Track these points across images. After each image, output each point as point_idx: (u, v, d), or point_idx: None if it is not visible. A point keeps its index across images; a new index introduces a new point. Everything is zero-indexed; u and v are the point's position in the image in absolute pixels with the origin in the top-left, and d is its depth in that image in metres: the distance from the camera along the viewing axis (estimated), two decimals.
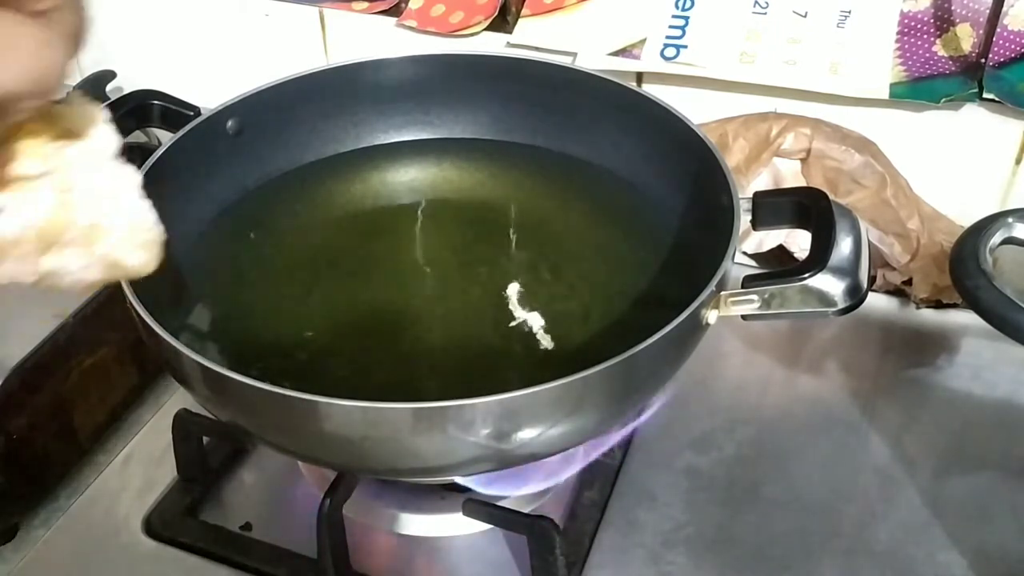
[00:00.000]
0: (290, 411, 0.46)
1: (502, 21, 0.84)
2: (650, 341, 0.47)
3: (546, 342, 0.56)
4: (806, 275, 0.50)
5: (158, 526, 0.61)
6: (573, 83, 0.69)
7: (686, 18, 0.80)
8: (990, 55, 0.72)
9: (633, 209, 0.67)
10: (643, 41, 0.80)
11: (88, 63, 1.02)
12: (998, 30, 0.71)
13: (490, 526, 0.58)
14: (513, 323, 0.58)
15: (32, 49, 0.30)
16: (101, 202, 0.37)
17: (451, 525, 0.60)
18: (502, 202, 0.68)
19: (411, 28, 0.87)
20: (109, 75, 0.94)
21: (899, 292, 0.76)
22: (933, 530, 0.59)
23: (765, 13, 0.78)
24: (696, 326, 0.51)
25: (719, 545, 0.59)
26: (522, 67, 0.72)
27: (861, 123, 0.76)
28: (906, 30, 0.75)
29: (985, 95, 0.73)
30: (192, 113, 0.66)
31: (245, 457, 0.66)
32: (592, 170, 0.70)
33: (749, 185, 0.75)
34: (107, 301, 0.67)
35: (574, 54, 0.82)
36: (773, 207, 0.57)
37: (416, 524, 0.60)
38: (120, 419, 0.70)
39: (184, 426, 0.61)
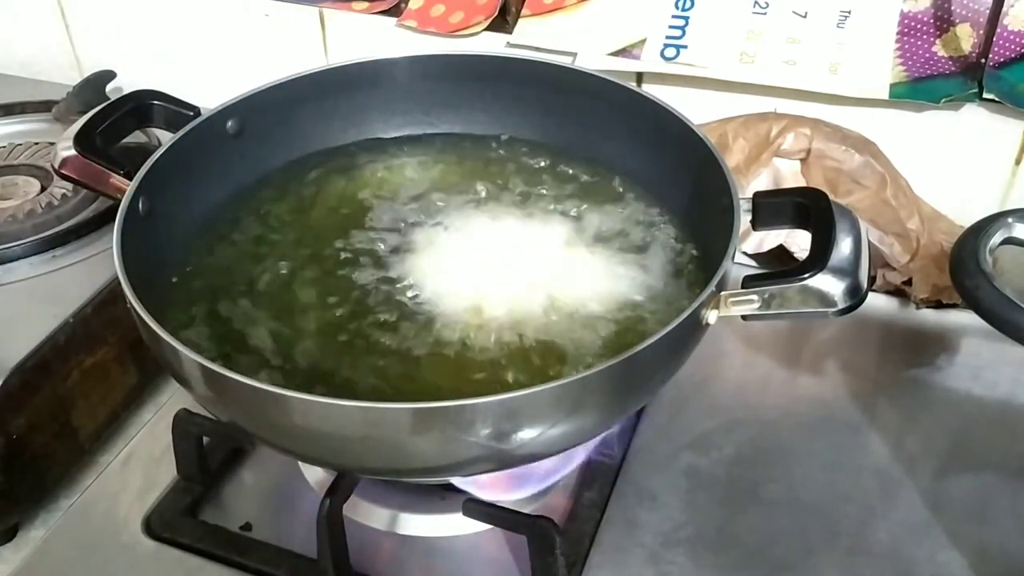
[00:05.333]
0: (290, 411, 0.46)
1: (502, 21, 0.84)
2: (650, 341, 0.47)
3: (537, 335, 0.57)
4: (806, 275, 0.50)
5: (158, 526, 0.61)
6: (573, 83, 0.70)
7: (686, 18, 0.80)
8: (990, 55, 0.72)
9: (633, 209, 0.67)
10: (643, 41, 0.80)
11: (88, 63, 1.02)
12: (998, 30, 0.71)
13: (490, 526, 0.58)
14: (512, 318, 0.58)
15: None
16: None
17: (451, 525, 0.60)
18: (499, 198, 0.68)
19: (411, 28, 0.87)
20: (109, 75, 0.95)
21: (899, 292, 0.76)
22: (933, 530, 0.59)
23: (765, 13, 0.78)
24: (696, 326, 0.51)
25: (719, 545, 0.59)
26: (522, 67, 0.72)
27: (861, 123, 0.76)
28: (906, 30, 0.75)
29: (985, 95, 0.73)
30: (192, 113, 0.66)
31: (245, 457, 0.66)
32: (592, 170, 0.70)
33: (749, 185, 0.75)
34: (107, 301, 0.67)
35: (574, 54, 0.82)
36: (773, 207, 0.57)
37: (416, 524, 0.60)
38: (120, 419, 0.70)
39: (184, 426, 0.61)
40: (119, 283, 0.51)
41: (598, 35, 0.81)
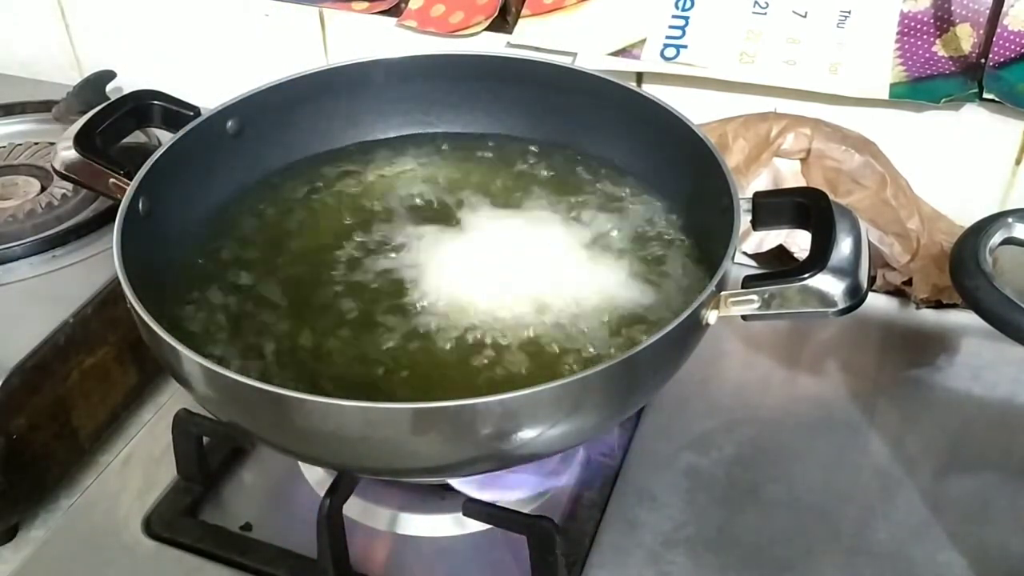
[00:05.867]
0: (290, 411, 0.46)
1: (502, 21, 0.84)
2: (650, 341, 0.47)
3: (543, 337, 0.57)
4: (806, 275, 0.50)
5: (158, 526, 0.61)
6: (573, 83, 0.70)
7: (686, 18, 0.80)
8: (990, 55, 0.72)
9: (632, 209, 0.67)
10: (643, 41, 0.80)
11: (88, 63, 1.02)
12: (998, 30, 0.71)
13: (490, 526, 0.58)
14: (513, 315, 0.58)
15: None
16: None
17: (451, 525, 0.60)
18: (500, 198, 0.68)
19: (411, 28, 0.87)
20: (109, 75, 0.95)
21: (899, 292, 0.76)
22: (933, 530, 0.59)
23: (765, 13, 0.78)
24: (696, 326, 0.51)
25: (719, 545, 0.59)
26: (522, 67, 0.72)
27: (861, 123, 0.76)
28: (906, 30, 0.75)
29: (985, 95, 0.73)
30: (192, 113, 0.66)
31: (245, 457, 0.66)
32: (591, 169, 0.70)
33: (749, 185, 0.75)
34: (107, 301, 0.67)
35: (574, 54, 0.82)
36: (773, 207, 0.57)
37: (416, 524, 0.60)
38: (120, 419, 0.70)
39: (184, 426, 0.61)
40: (119, 283, 0.51)
41: (598, 35, 0.81)
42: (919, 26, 0.75)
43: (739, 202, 0.56)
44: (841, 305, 0.50)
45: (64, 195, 0.77)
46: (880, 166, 0.74)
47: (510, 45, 0.84)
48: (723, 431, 0.66)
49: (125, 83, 0.94)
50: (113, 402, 0.69)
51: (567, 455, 0.62)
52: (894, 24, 0.76)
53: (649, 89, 0.75)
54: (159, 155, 0.61)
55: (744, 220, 0.56)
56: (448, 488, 0.60)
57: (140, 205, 0.58)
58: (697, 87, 0.80)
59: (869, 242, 0.54)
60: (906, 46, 0.75)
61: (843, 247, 0.52)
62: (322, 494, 0.55)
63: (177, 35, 0.97)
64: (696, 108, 0.68)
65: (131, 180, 0.59)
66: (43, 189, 0.79)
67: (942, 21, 0.74)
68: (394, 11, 0.88)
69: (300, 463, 0.63)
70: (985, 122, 0.74)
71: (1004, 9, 0.71)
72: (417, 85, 0.73)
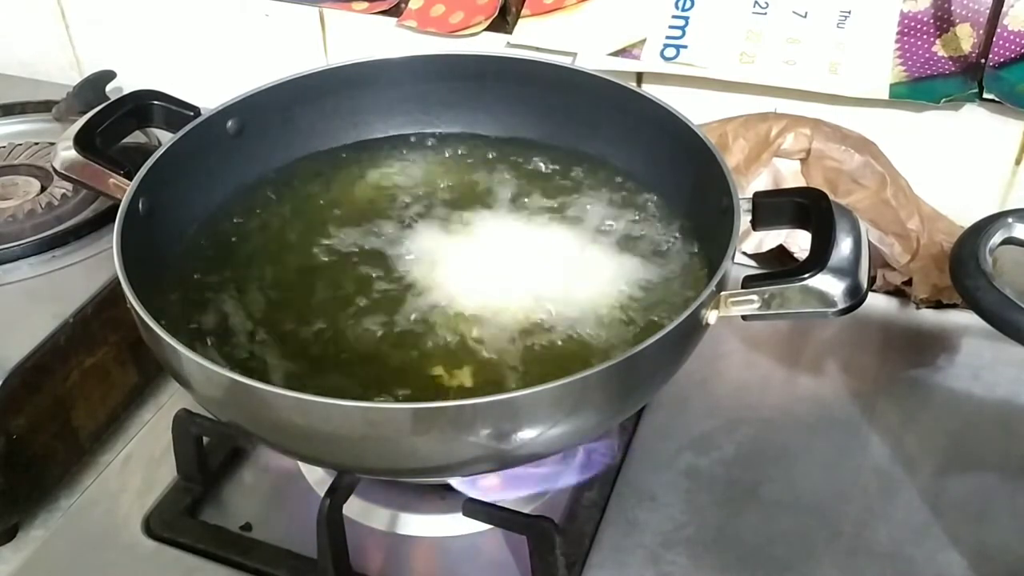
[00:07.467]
0: (290, 411, 0.46)
1: (502, 21, 0.84)
2: (650, 341, 0.47)
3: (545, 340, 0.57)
4: (806, 275, 0.50)
5: (158, 526, 0.61)
6: (573, 83, 0.70)
7: (686, 18, 0.80)
8: (990, 55, 0.72)
9: (632, 209, 0.67)
10: (643, 41, 0.80)
11: (88, 63, 1.02)
12: (998, 30, 0.71)
13: (490, 526, 0.58)
14: (514, 314, 0.58)
15: None
16: None
17: (451, 525, 0.60)
18: (500, 198, 0.68)
19: (411, 28, 0.87)
20: (109, 75, 0.95)
21: (899, 292, 0.76)
22: (933, 530, 0.59)
23: (765, 13, 0.78)
24: (696, 326, 0.51)
25: (719, 545, 0.59)
26: (522, 67, 0.72)
27: (861, 123, 0.76)
28: (906, 30, 0.75)
29: (985, 95, 0.73)
30: (192, 113, 0.66)
31: (245, 457, 0.66)
32: (591, 170, 0.70)
33: (749, 185, 0.75)
34: (107, 301, 0.67)
35: (574, 54, 0.82)
36: (773, 207, 0.57)
37: (416, 524, 0.60)
38: (120, 419, 0.70)
39: (184, 426, 0.61)
40: (119, 283, 0.51)
41: (598, 35, 0.81)
42: (919, 26, 0.75)
43: (739, 202, 0.56)
44: (841, 305, 0.50)
45: (64, 195, 0.77)
46: (880, 166, 0.74)
47: (510, 45, 0.84)
48: (723, 431, 0.66)
49: (125, 83, 0.94)
50: (113, 402, 0.69)
51: (567, 455, 0.62)
52: (894, 24, 0.76)
53: (649, 89, 0.75)
54: (159, 155, 0.61)
55: (744, 220, 0.56)
56: (448, 488, 0.60)
57: (140, 205, 0.58)
58: (697, 87, 0.80)
59: (869, 242, 0.54)
60: (906, 46, 0.75)
61: (843, 247, 0.52)
62: (322, 494, 0.55)
63: (177, 35, 0.97)
64: (696, 108, 0.68)
65: (131, 180, 0.59)
66: (43, 189, 0.79)
67: (942, 21, 0.74)
68: (394, 11, 0.88)
69: (300, 463, 0.64)
70: (985, 122, 0.74)
71: (1004, 9, 0.71)
72: (417, 85, 0.73)
